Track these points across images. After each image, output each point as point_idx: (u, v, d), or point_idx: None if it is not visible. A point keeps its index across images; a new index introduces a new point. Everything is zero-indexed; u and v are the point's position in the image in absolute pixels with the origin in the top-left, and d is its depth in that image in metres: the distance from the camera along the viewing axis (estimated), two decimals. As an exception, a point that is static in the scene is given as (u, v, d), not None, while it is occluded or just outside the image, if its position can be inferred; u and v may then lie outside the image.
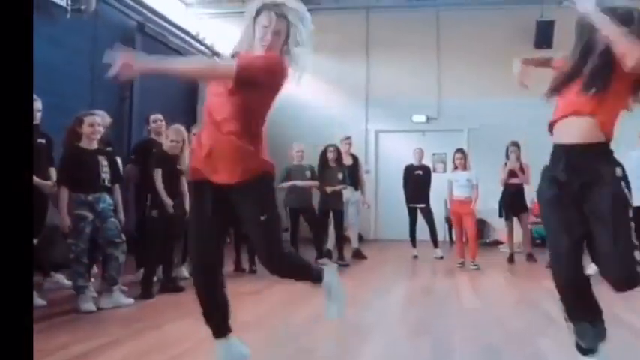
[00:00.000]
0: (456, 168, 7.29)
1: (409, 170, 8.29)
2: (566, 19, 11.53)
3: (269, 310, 4.41)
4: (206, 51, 10.89)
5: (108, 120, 5.23)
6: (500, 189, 7.73)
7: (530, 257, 7.58)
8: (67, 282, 4.97)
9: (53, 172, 4.72)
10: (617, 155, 2.48)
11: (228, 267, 6.50)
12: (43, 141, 4.69)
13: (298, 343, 3.44)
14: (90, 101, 7.05)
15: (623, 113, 2.51)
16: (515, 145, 7.65)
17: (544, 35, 10.36)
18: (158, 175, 5.03)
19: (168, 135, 5.20)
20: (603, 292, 2.66)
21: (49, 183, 4.58)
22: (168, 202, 5.00)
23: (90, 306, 4.24)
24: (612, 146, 2.49)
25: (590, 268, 6.70)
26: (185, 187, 5.28)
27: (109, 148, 5.25)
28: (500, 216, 7.84)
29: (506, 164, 7.63)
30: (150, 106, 6.89)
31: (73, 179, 4.31)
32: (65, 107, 5.81)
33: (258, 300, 4.95)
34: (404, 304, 4.89)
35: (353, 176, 7.85)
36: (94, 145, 4.48)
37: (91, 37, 7.57)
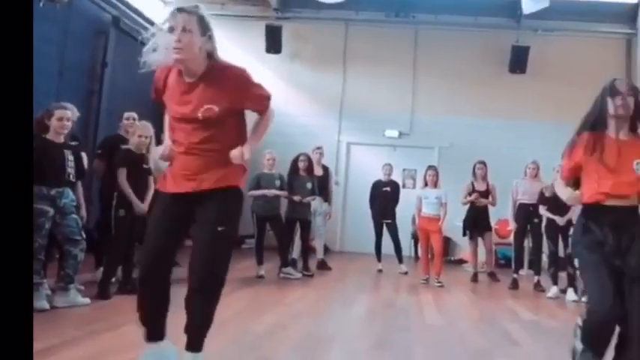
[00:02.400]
0: (426, 184, 7.31)
1: (377, 186, 8.28)
2: (540, 46, 11.83)
3: (232, 317, 4.31)
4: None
5: (76, 114, 5.10)
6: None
7: (493, 276, 7.64)
8: None
9: None
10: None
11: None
12: None
13: (259, 351, 3.37)
14: (57, 94, 6.85)
15: None
16: (482, 163, 7.74)
17: (518, 60, 10.55)
18: (123, 174, 4.90)
19: (136, 130, 5.06)
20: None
21: None
22: (138, 203, 4.90)
23: (43, 304, 4.08)
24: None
25: (551, 292, 6.79)
26: (152, 186, 5.17)
27: (76, 142, 5.11)
28: (464, 235, 7.89)
29: (472, 183, 7.70)
30: (119, 101, 6.75)
31: (37, 171, 4.15)
32: (30, 98, 5.64)
33: (221, 305, 4.84)
34: (366, 318, 4.86)
35: (323, 187, 7.81)
36: (61, 139, 4.34)
37: (63, 28, 7.39)
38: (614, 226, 2.58)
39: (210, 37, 2.52)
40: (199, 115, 2.49)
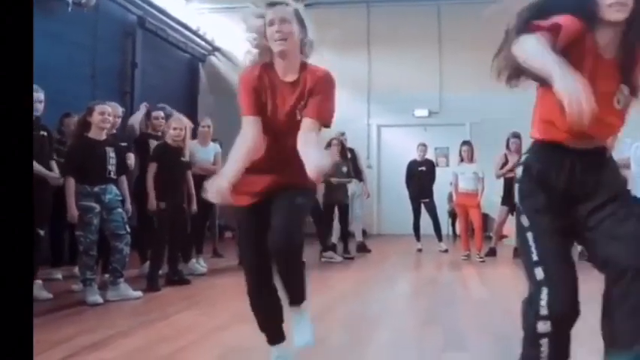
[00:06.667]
0: (462, 160, 7.23)
1: (412, 166, 8.24)
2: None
3: (282, 301, 4.36)
4: (207, 46, 10.84)
5: (120, 109, 5.26)
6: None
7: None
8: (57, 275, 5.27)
9: (55, 165, 4.68)
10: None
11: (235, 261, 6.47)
12: (45, 133, 4.64)
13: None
14: (90, 96, 6.96)
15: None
16: (517, 136, 7.53)
17: (546, 28, 10.31)
18: (152, 168, 4.99)
19: (171, 124, 5.13)
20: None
21: (54, 174, 4.55)
22: (153, 200, 4.95)
23: (97, 298, 4.20)
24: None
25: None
26: (191, 179, 5.24)
27: (124, 144, 5.24)
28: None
29: (505, 155, 7.52)
30: (151, 100, 6.85)
31: (80, 170, 4.27)
32: (65, 103, 5.77)
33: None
34: (410, 295, 4.86)
35: (354, 169, 7.82)
36: (103, 136, 4.43)
37: (92, 31, 7.53)
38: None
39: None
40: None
